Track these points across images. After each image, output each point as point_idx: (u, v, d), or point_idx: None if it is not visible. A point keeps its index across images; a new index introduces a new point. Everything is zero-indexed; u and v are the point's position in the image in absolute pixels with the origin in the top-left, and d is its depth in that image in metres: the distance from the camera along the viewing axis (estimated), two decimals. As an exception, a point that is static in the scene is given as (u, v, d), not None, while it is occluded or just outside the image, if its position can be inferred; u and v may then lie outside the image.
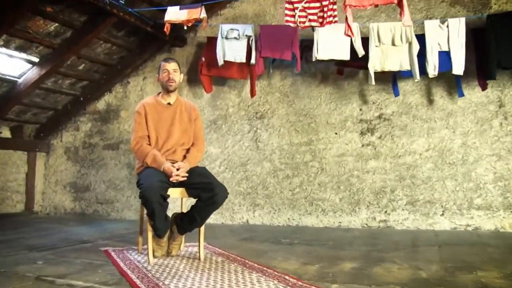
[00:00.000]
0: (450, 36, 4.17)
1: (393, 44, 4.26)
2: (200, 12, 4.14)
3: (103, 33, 4.81)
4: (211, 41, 4.95)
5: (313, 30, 4.25)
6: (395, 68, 4.27)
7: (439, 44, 4.17)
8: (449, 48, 4.16)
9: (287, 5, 3.98)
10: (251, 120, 5.27)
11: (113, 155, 5.80)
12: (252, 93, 4.94)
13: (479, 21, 4.39)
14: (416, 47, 4.18)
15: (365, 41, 4.31)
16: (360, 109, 4.89)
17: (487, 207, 4.40)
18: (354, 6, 3.52)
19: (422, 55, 4.18)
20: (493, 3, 4.56)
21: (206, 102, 5.45)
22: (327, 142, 4.96)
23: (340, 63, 4.61)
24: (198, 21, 4.23)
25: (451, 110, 4.60)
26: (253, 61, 4.61)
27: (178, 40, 5.34)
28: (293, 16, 3.95)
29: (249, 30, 4.67)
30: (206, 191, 2.87)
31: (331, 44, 4.30)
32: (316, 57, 4.34)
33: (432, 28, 4.21)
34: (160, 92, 3.31)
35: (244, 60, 4.67)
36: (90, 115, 5.94)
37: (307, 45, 4.61)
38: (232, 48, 4.67)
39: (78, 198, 5.89)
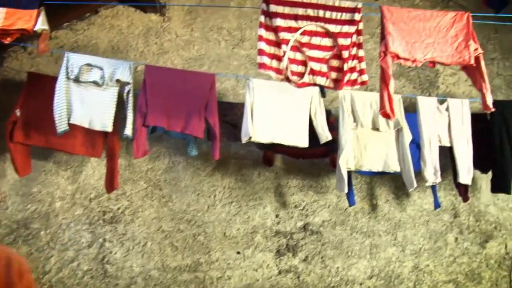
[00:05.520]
0: (452, 125, 3.03)
1: (375, 128, 2.94)
2: (35, 18, 2.20)
3: None
4: (37, 81, 2.96)
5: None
6: (377, 167, 2.98)
7: (439, 136, 2.96)
8: (451, 143, 2.99)
9: (262, 32, 2.34)
10: (95, 225, 3.26)
11: None
12: (113, 185, 2.97)
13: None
14: (408, 136, 2.93)
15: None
16: (277, 215, 3.37)
17: None
18: (399, 60, 2.31)
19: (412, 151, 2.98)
20: (440, 83, 3.69)
21: (12, 188, 3.28)
22: (224, 267, 3.29)
23: (270, 146, 2.99)
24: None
25: (399, 220, 3.47)
26: (128, 132, 2.70)
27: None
28: (278, 58, 2.34)
29: (123, 71, 2.75)
30: None
31: (275, 117, 2.73)
32: (250, 137, 2.70)
33: (428, 109, 3.03)
34: None
35: (109, 129, 2.75)
36: None
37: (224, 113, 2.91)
38: (86, 101, 2.71)
39: None
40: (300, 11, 2.33)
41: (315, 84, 2.39)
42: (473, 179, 3.46)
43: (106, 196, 3.28)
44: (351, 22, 2.36)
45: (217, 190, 3.35)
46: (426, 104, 3.03)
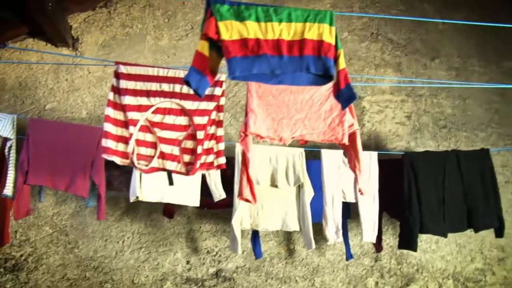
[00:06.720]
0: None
1: (274, 184, 2.81)
2: None
3: None
4: None
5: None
6: (275, 227, 2.87)
7: (343, 192, 2.85)
8: (356, 199, 2.90)
9: (110, 111, 2.16)
10: (-5, 273, 3.10)
11: None
12: (3, 240, 2.80)
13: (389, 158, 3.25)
14: (309, 193, 2.83)
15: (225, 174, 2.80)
16: (188, 262, 3.27)
17: None
18: (263, 138, 2.12)
19: (314, 208, 2.87)
20: (366, 121, 3.69)
21: None
22: (131, 317, 3.14)
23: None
24: None
25: (317, 265, 3.38)
26: (8, 192, 2.55)
27: None
28: (125, 140, 2.16)
29: (5, 125, 2.60)
30: None
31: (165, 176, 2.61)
32: (137, 197, 2.61)
33: (332, 162, 2.90)
34: None
35: None
36: None
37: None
38: None
39: None
40: (154, 86, 2.17)
41: (164, 169, 2.21)
42: (394, 221, 3.41)
43: (8, 243, 3.15)
44: (211, 97, 2.19)
45: (126, 235, 3.24)
46: (331, 158, 2.90)
